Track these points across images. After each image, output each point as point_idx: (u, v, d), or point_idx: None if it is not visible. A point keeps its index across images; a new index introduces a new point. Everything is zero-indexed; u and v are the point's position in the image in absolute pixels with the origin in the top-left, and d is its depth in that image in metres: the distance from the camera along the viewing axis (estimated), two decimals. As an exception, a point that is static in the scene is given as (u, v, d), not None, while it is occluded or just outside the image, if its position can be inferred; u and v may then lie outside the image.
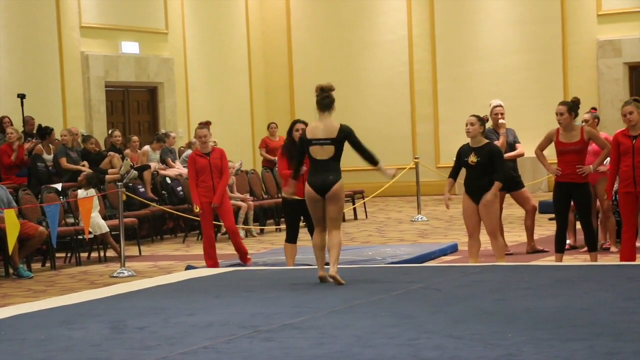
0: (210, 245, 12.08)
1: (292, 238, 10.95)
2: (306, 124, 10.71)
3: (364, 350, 6.22)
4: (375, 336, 6.65)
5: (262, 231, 17.15)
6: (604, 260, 11.28)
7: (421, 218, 17.98)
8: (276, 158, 14.56)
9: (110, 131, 18.98)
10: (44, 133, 16.92)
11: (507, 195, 12.70)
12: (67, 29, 19.81)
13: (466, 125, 10.62)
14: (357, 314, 7.57)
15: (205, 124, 12.49)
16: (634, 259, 10.42)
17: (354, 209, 19.27)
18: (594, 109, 13.02)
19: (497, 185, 10.48)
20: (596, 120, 12.62)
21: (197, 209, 12.03)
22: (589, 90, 21.81)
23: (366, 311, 7.69)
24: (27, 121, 17.51)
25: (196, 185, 12.06)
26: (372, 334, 6.71)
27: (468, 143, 10.67)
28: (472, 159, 10.55)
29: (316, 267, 9.55)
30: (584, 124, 12.37)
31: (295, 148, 10.32)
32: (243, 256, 12.15)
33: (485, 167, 10.50)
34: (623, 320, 6.88)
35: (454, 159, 10.88)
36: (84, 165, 16.55)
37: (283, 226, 11.76)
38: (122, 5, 21.03)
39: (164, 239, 16.87)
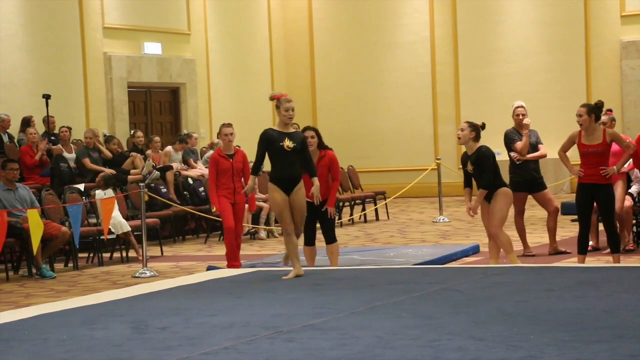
0: (231, 244, 11.91)
1: (309, 240, 10.93)
2: (316, 131, 10.66)
3: (385, 352, 6.21)
4: (396, 337, 6.63)
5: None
6: (627, 261, 11.22)
7: (443, 219, 17.94)
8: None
9: (132, 132, 19.04)
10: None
11: (530, 197, 12.68)
12: (90, 30, 19.90)
13: (458, 132, 10.68)
14: (378, 315, 7.56)
15: (229, 125, 12.42)
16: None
17: (376, 210, 19.25)
18: (610, 110, 12.95)
19: (480, 193, 10.52)
20: (613, 122, 12.55)
21: (214, 209, 11.99)
22: (612, 92, 21.74)
23: (387, 312, 7.67)
24: (48, 121, 17.58)
25: (216, 186, 11.98)
26: (393, 335, 6.69)
27: (466, 151, 10.71)
28: (469, 167, 10.66)
29: (339, 267, 9.54)
30: (601, 126, 12.34)
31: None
32: (230, 260, 11.90)
33: (482, 170, 10.55)
34: (646, 322, 6.85)
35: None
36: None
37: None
38: (144, 6, 21.10)
39: (185, 240, 16.91)
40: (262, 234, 16.72)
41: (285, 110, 9.92)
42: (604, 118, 12.51)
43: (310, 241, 10.90)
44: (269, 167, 10.07)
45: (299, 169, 9.93)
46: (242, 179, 12.07)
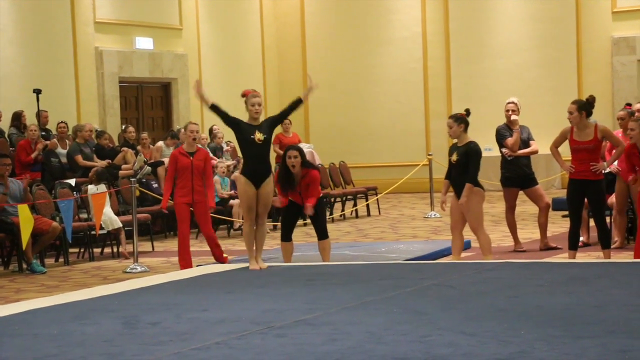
0: (184, 246, 11.79)
1: (285, 237, 11.01)
2: (300, 150, 10.70)
3: (376, 347, 6.22)
4: (387, 333, 6.64)
5: (275, 227, 17.15)
6: (618, 257, 11.25)
7: (434, 215, 17.96)
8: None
9: (123, 127, 19.02)
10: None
11: (521, 192, 12.71)
12: (81, 25, 19.86)
13: (448, 128, 10.71)
14: (369, 311, 7.57)
15: (195, 123, 12.32)
16: (647, 257, 10.40)
17: (367, 206, 19.27)
18: (629, 105, 12.85)
19: (467, 187, 10.53)
20: (632, 116, 12.42)
21: (164, 207, 11.76)
22: (603, 88, 21.77)
23: (379, 308, 7.68)
24: (41, 115, 17.55)
25: (171, 184, 11.75)
26: (384, 331, 6.70)
27: (456, 142, 10.76)
28: (454, 157, 10.68)
29: (331, 263, 9.60)
30: (619, 121, 12.35)
31: (288, 176, 10.68)
32: (221, 258, 11.91)
33: (465, 166, 10.55)
34: (636, 317, 6.87)
35: None
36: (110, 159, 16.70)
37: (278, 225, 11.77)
38: (136, 1, 21.08)
39: (177, 235, 16.87)
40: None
41: (251, 105, 10.19)
42: (621, 113, 12.52)
43: (287, 237, 10.95)
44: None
45: (268, 162, 10.27)
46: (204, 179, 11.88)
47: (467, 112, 10.83)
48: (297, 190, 10.72)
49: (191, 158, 11.78)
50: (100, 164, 16.33)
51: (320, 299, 8.19)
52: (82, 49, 19.86)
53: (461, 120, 10.67)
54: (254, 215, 10.26)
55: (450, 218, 10.91)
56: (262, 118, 10.31)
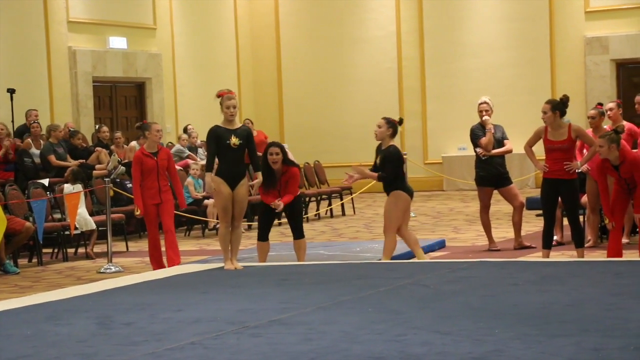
0: (155, 247, 11.75)
1: (262, 236, 11.01)
2: (281, 147, 10.72)
3: (351, 346, 6.22)
4: (362, 332, 6.64)
5: (249, 227, 17.13)
6: (591, 256, 11.30)
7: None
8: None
9: (97, 126, 18.94)
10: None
11: (495, 192, 12.75)
12: (54, 24, 19.76)
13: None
14: (344, 310, 7.57)
15: (144, 123, 12.19)
16: (620, 255, 10.45)
17: (342, 205, 19.28)
18: (600, 104, 12.95)
19: (375, 177, 10.69)
20: (602, 116, 12.54)
21: (137, 212, 11.58)
22: (577, 87, 21.86)
23: (353, 307, 7.69)
24: (29, 114, 17.53)
25: (139, 187, 11.61)
26: (359, 330, 6.70)
27: (381, 143, 10.80)
28: (377, 160, 10.79)
29: (305, 262, 9.61)
30: (590, 120, 12.42)
31: (269, 172, 10.71)
32: (170, 260, 11.69)
33: (384, 167, 10.67)
34: (610, 316, 6.90)
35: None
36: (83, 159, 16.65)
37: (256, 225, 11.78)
38: (109, 1, 20.98)
39: (151, 235, 16.83)
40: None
41: (226, 107, 10.22)
42: (592, 112, 12.58)
43: (263, 237, 10.95)
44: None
45: (243, 165, 10.34)
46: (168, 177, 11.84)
47: (400, 121, 10.92)
48: (277, 187, 10.73)
49: (155, 158, 11.69)
50: (73, 164, 16.26)
51: (294, 299, 8.19)
52: (55, 49, 19.76)
53: (392, 124, 10.77)
54: (230, 217, 10.28)
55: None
56: (237, 119, 10.34)
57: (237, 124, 10.32)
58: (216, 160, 10.31)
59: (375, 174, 10.74)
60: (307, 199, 18.62)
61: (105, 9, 20.85)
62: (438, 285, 8.76)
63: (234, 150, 10.14)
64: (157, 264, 11.80)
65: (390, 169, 10.65)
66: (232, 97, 10.24)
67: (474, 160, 12.83)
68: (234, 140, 10.11)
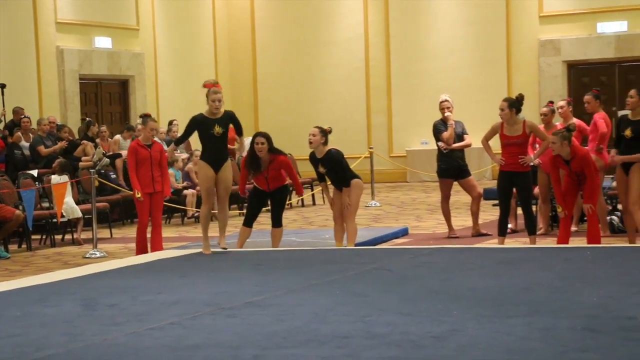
0: (142, 233, 11.64)
1: (248, 222, 10.99)
2: (267, 137, 10.68)
3: (320, 327, 6.23)
4: (330, 313, 6.66)
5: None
6: (542, 243, 11.37)
7: (375, 204, 18.02)
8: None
9: (87, 120, 18.83)
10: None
11: (455, 183, 12.80)
12: (43, 25, 19.64)
13: (309, 136, 10.78)
14: (314, 293, 7.58)
15: (148, 116, 12.15)
16: (568, 242, 10.53)
17: (313, 195, 19.28)
18: (552, 102, 13.06)
19: (346, 191, 10.73)
20: (553, 113, 12.65)
21: (138, 194, 11.49)
22: (531, 86, 21.95)
23: (323, 290, 7.70)
24: (16, 112, 17.43)
25: (135, 174, 11.53)
26: (328, 312, 6.72)
27: (314, 152, 10.80)
28: (322, 169, 10.84)
29: (279, 249, 9.63)
30: (542, 117, 12.51)
31: (255, 162, 10.68)
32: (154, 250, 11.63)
33: (335, 171, 10.71)
34: (558, 298, 6.95)
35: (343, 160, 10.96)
36: (67, 143, 16.58)
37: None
38: (95, 2, 20.87)
39: (134, 222, 16.76)
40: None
41: (212, 100, 10.19)
42: (544, 109, 12.66)
43: (248, 223, 10.93)
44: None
45: (226, 150, 10.30)
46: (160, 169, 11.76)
47: (330, 130, 10.98)
48: (264, 174, 10.65)
49: (149, 150, 11.66)
50: (60, 145, 16.32)
51: (268, 282, 8.19)
52: (44, 48, 19.64)
53: (324, 133, 10.84)
54: (213, 200, 10.27)
55: (333, 211, 10.99)
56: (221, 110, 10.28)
57: (220, 114, 10.24)
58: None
59: (349, 189, 10.71)
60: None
61: (91, 11, 20.73)
62: (401, 270, 8.78)
63: (217, 138, 10.12)
64: (142, 248, 11.73)
65: (342, 170, 10.73)
66: (218, 91, 10.17)
67: (436, 154, 12.87)
68: (217, 129, 10.09)
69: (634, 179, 10.48)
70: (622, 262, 8.80)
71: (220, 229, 10.40)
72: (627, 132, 10.54)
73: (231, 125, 10.39)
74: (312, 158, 10.95)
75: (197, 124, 10.23)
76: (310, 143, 10.79)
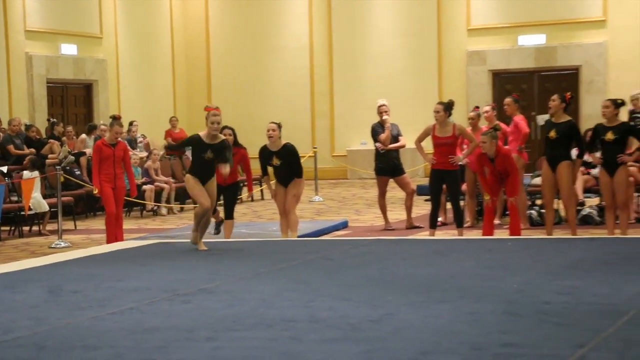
0: (110, 223, 11.58)
1: (229, 215, 11.00)
2: (233, 130, 10.65)
3: (267, 311, 6.23)
4: (277, 299, 6.66)
5: (182, 209, 17.03)
6: (469, 235, 11.48)
7: (318, 199, 18.04)
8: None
9: (53, 120, 18.59)
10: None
11: (391, 180, 12.86)
12: (13, 32, 19.36)
13: (268, 131, 10.76)
14: (262, 280, 7.58)
15: (118, 118, 12.00)
16: (492, 234, 10.65)
17: (261, 191, 19.24)
18: (477, 107, 13.16)
19: (298, 182, 10.74)
20: (479, 117, 12.75)
21: (95, 191, 11.46)
22: (460, 93, 22.10)
23: (270, 278, 7.70)
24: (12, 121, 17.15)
25: (98, 171, 11.51)
26: (274, 297, 6.72)
27: (266, 146, 10.79)
28: (276, 161, 10.74)
29: (230, 240, 9.55)
30: (470, 120, 12.60)
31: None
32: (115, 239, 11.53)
33: (289, 163, 10.68)
34: (483, 285, 7.01)
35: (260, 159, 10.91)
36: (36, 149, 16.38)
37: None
38: (62, 11, 20.61)
39: (96, 215, 16.61)
40: (164, 211, 16.58)
41: (211, 123, 9.77)
42: (471, 114, 12.76)
43: (229, 215, 10.98)
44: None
45: (213, 168, 9.84)
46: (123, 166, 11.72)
47: (280, 126, 10.93)
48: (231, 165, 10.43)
49: (113, 149, 11.58)
50: (28, 151, 16.06)
51: (220, 271, 8.17)
52: (13, 54, 19.35)
53: (280, 127, 10.88)
54: (207, 196, 9.80)
55: (278, 205, 10.96)
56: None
57: (217, 139, 9.85)
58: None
59: (301, 180, 10.73)
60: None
61: (58, 20, 20.46)
62: (342, 259, 8.80)
63: (207, 162, 9.76)
64: (111, 237, 11.61)
65: (297, 162, 10.72)
66: (217, 114, 9.77)
67: (373, 154, 12.92)
68: (209, 154, 9.72)
69: (562, 177, 10.56)
70: (540, 252, 8.90)
71: (200, 234, 10.10)
72: (552, 134, 10.67)
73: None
74: (265, 152, 10.86)
75: (193, 143, 9.90)
76: (271, 137, 10.74)
